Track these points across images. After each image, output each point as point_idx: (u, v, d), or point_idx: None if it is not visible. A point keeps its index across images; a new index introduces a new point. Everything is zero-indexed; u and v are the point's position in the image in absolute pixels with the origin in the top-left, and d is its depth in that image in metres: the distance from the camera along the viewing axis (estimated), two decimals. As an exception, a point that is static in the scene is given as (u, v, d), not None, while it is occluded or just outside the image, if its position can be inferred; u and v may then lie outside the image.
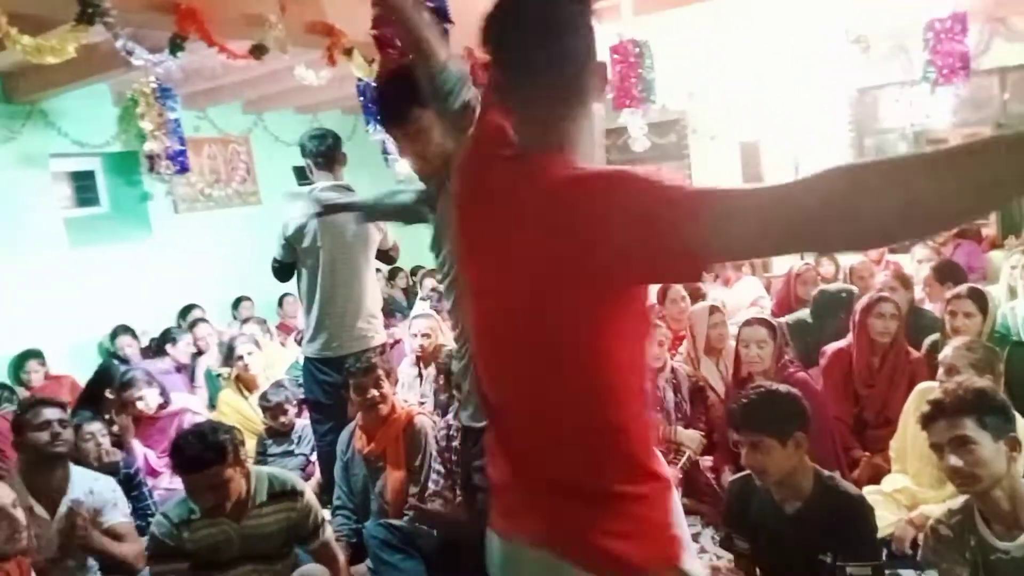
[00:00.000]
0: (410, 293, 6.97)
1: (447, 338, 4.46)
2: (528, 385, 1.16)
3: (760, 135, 6.61)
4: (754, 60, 5.58)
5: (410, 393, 4.10)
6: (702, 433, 3.26)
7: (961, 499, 2.08)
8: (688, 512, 2.78)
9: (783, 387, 2.27)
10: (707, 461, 3.17)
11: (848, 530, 2.20)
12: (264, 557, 2.48)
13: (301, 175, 3.64)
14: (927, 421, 2.04)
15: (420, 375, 4.15)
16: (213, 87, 5.60)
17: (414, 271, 7.28)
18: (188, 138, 5.17)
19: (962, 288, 3.42)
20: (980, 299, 3.30)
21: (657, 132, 7.31)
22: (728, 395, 3.28)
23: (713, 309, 3.79)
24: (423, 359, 4.17)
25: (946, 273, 4.22)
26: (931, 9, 4.14)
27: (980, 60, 5.55)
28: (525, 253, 1.10)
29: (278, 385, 3.94)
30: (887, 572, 2.77)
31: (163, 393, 3.75)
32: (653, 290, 5.28)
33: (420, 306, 5.18)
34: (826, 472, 2.27)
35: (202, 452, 2.33)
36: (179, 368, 4.85)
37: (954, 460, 1.95)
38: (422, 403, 3.97)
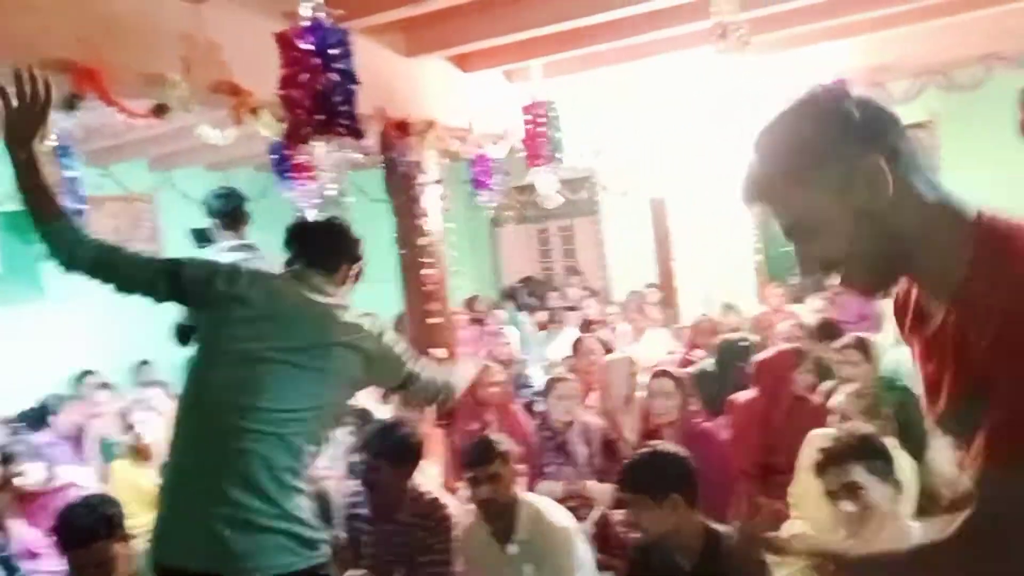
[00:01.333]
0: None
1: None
2: None
3: (668, 192, 6.87)
4: (660, 119, 5.84)
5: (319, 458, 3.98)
6: (613, 487, 3.28)
7: (850, 543, 2.15)
8: (602, 567, 2.78)
9: (672, 448, 2.32)
10: (619, 515, 3.18)
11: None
12: None
13: (198, 237, 3.56)
14: (820, 469, 2.13)
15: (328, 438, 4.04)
16: (117, 144, 5.45)
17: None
18: (89, 196, 4.97)
19: (849, 338, 3.61)
20: (864, 348, 3.48)
21: (569, 188, 7.50)
22: (638, 448, 3.32)
23: (631, 361, 3.87)
24: (335, 420, 4.06)
25: (825, 332, 4.40)
26: (817, 75, 4.45)
27: (864, 122, 5.96)
28: None
29: (179, 453, 3.76)
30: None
31: (48, 467, 3.52)
32: (564, 344, 5.35)
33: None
34: (719, 527, 2.32)
35: (93, 524, 2.20)
36: (73, 438, 4.57)
37: (847, 506, 2.03)
38: (330, 467, 3.86)
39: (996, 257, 0.97)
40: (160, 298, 2.06)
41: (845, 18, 4.41)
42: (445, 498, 2.77)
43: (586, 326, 6.23)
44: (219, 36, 3.25)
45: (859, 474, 2.05)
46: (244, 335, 1.99)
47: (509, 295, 8.01)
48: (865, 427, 2.22)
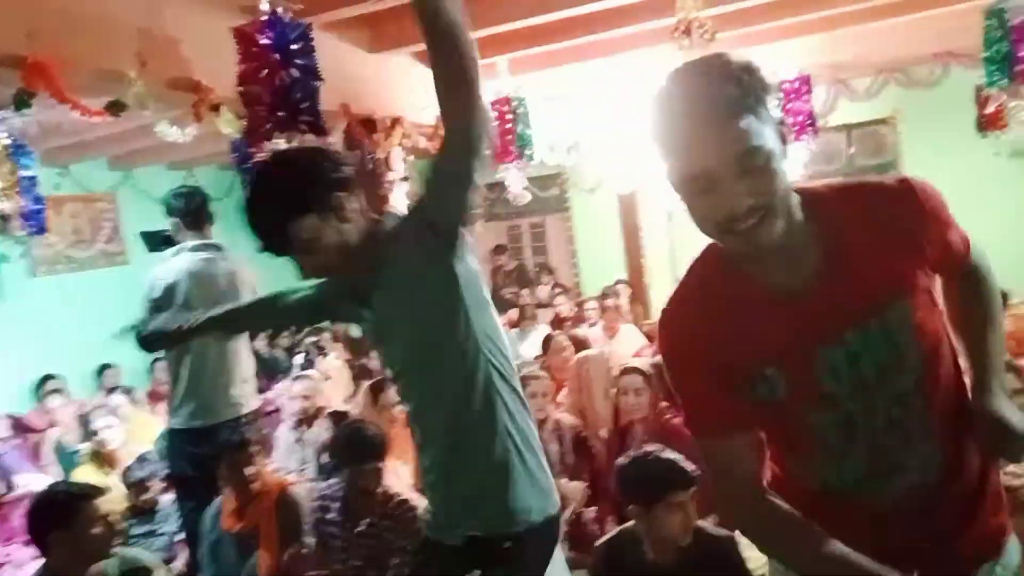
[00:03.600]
0: (293, 353, 6.74)
1: (328, 399, 4.32)
2: None
3: (636, 187, 6.89)
4: (626, 115, 5.84)
5: (290, 459, 3.93)
6: (586, 484, 3.27)
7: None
8: (574, 565, 2.76)
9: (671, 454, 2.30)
10: (591, 513, 3.18)
11: (720, 572, 2.25)
12: None
13: (150, 241, 3.45)
14: None
15: (300, 439, 3.99)
16: (76, 143, 5.31)
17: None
18: (47, 196, 4.85)
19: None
20: None
21: (539, 186, 7.49)
22: (610, 444, 3.31)
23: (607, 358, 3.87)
24: (304, 422, 4.01)
25: None
26: (781, 72, 4.49)
27: (828, 118, 6.04)
28: None
29: (142, 459, 3.68)
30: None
31: (6, 476, 3.43)
32: (536, 342, 5.34)
33: (298, 366, 5.02)
34: (703, 523, 2.32)
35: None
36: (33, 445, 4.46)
37: None
38: (302, 470, 3.81)
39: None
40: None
41: (806, 16, 4.46)
42: (415, 499, 2.74)
43: (558, 323, 6.22)
44: (177, 31, 3.18)
45: None
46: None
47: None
48: None
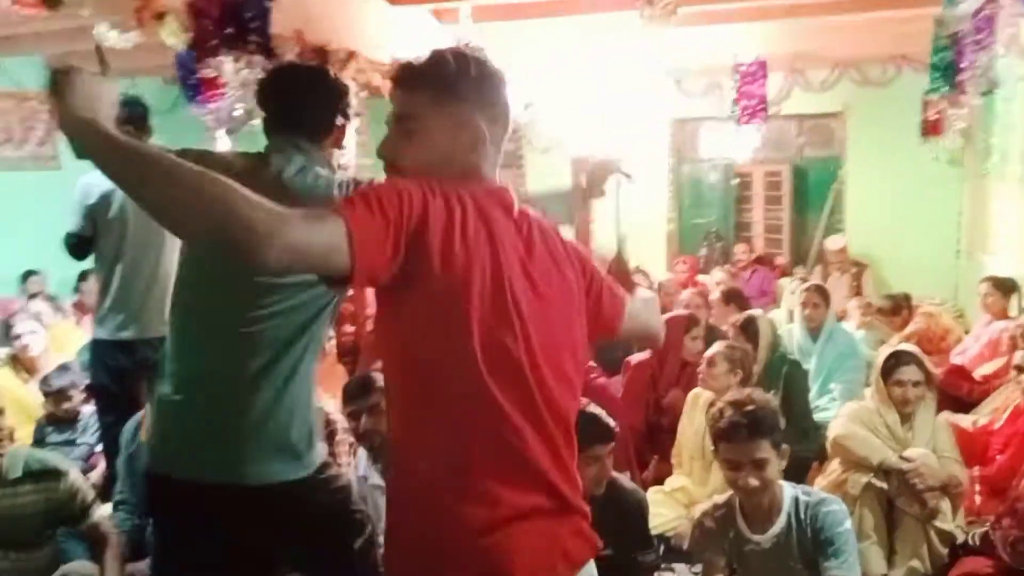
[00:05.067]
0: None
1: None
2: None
3: (589, 152, 6.92)
4: (583, 80, 5.85)
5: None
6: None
7: (725, 495, 2.26)
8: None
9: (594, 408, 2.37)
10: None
11: (627, 525, 2.37)
12: (18, 543, 2.34)
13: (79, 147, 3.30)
14: (725, 437, 2.09)
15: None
16: (8, 35, 5.03)
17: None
18: (-23, 90, 4.63)
19: (738, 317, 3.79)
20: (750, 328, 3.64)
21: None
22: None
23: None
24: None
25: (731, 297, 4.71)
26: (739, 54, 4.55)
27: (782, 106, 6.17)
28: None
29: (63, 368, 3.61)
30: (663, 566, 3.01)
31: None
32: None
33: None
34: (616, 476, 2.43)
35: None
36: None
37: (752, 481, 2.05)
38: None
39: None
40: None
41: (768, 0, 4.50)
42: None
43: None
44: (127, -72, 3.03)
45: (766, 450, 2.05)
46: None
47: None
48: (766, 398, 2.16)
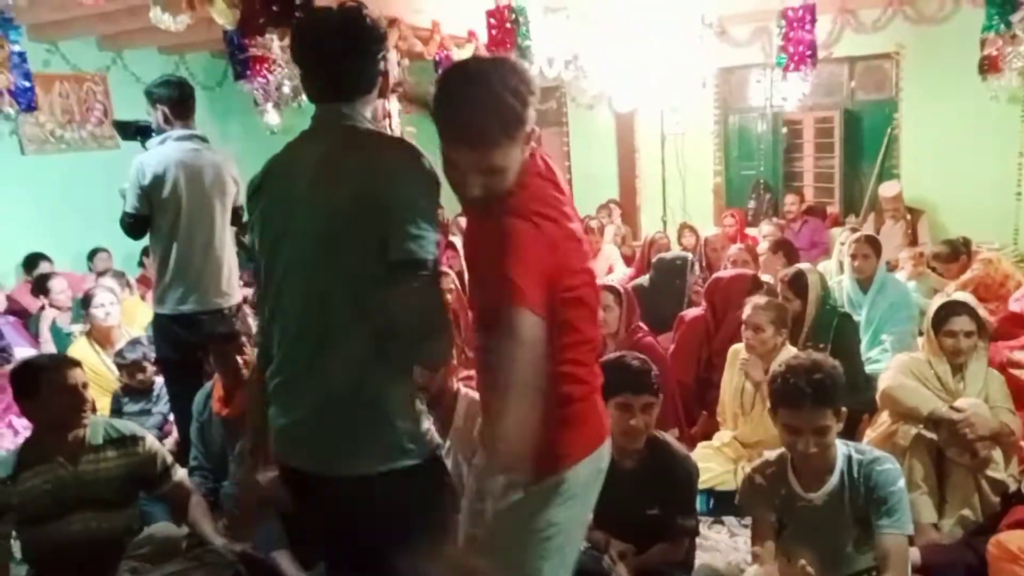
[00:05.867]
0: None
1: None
2: None
3: (634, 107, 6.84)
4: (626, 34, 5.75)
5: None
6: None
7: (777, 452, 2.27)
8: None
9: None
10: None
11: (676, 491, 2.43)
12: (104, 503, 2.48)
13: (123, 130, 3.40)
14: (788, 402, 2.06)
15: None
16: (64, 19, 5.19)
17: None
18: (36, 74, 4.78)
19: (789, 271, 3.75)
20: (799, 283, 3.60)
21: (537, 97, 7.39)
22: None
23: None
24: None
25: (779, 246, 4.68)
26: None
27: (832, 49, 5.96)
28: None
29: (135, 342, 3.79)
30: (712, 518, 3.08)
31: (4, 348, 3.54)
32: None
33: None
34: (660, 434, 2.48)
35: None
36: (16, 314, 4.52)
37: (812, 447, 2.05)
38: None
39: None
40: None
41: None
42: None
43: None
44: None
45: (828, 417, 2.04)
46: None
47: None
48: (833, 365, 2.10)
